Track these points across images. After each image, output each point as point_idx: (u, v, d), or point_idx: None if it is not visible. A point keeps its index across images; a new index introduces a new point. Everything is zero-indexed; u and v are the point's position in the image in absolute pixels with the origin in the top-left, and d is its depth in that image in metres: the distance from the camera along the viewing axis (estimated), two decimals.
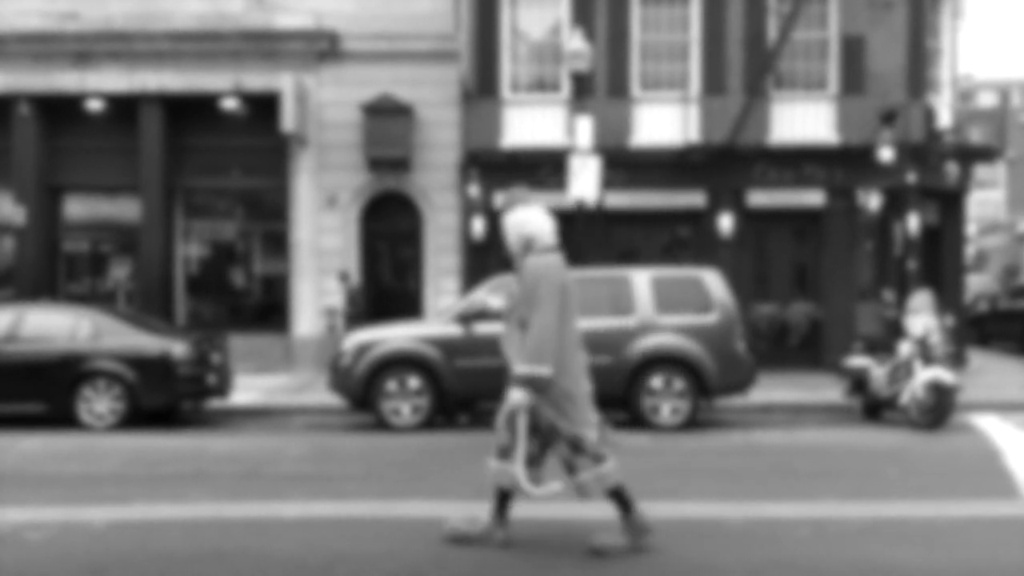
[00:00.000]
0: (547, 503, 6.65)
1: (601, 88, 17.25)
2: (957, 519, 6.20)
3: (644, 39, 17.57)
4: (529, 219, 5.30)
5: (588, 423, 5.19)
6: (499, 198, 4.60)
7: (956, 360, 15.97)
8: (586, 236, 15.28)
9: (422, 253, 17.56)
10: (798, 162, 17.22)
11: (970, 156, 19.10)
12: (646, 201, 17.35)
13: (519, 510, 5.61)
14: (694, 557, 5.27)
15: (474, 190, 17.08)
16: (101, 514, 6.34)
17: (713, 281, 11.45)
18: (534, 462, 5.26)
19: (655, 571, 5.03)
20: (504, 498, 5.39)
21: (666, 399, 10.97)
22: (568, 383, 5.14)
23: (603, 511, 6.39)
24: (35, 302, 13.92)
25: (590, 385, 5.32)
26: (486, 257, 17.12)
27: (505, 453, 5.21)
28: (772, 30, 17.10)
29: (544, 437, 5.21)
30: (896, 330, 12.73)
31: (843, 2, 17.31)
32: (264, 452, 9.28)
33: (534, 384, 4.99)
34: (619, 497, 5.25)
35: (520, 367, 5.00)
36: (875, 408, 11.77)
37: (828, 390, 13.66)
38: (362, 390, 11.09)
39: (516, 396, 5.02)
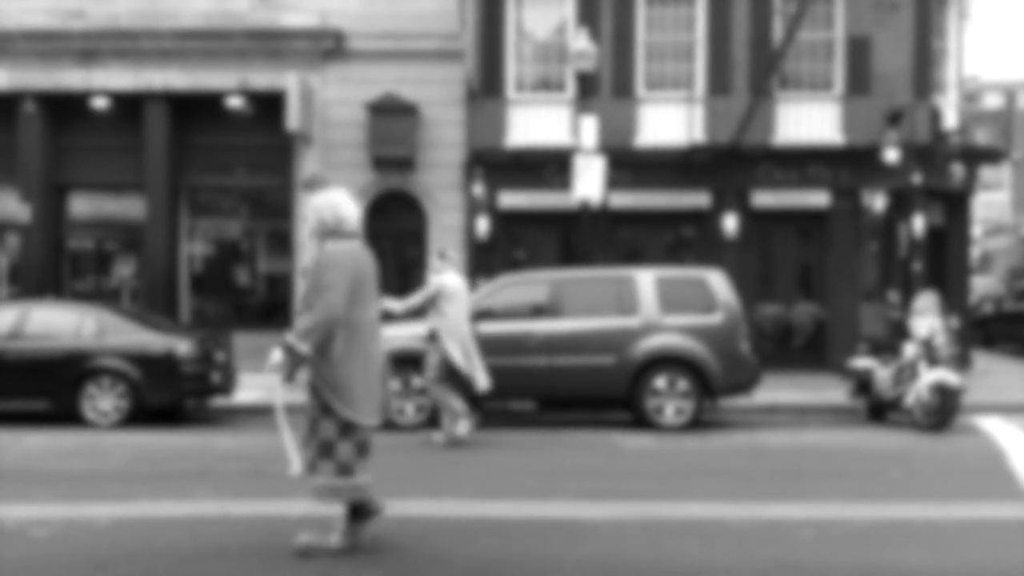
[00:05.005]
0: (553, 503, 6.65)
1: (606, 88, 17.23)
2: (962, 521, 6.20)
3: (649, 39, 17.55)
4: (341, 202, 5.28)
5: (366, 412, 5.14)
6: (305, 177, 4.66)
7: (961, 362, 15.96)
8: (590, 236, 15.27)
9: (426, 252, 17.56)
10: (803, 163, 17.19)
11: (976, 157, 19.06)
12: (650, 201, 17.32)
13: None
14: (698, 558, 5.27)
15: (478, 189, 17.08)
16: (105, 511, 6.35)
17: (717, 281, 11.44)
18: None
19: (658, 571, 5.03)
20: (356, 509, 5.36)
21: (670, 399, 10.96)
22: (346, 371, 5.07)
23: (610, 512, 6.39)
24: (40, 299, 13.94)
25: (383, 378, 5.33)
26: (491, 256, 17.13)
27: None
28: (778, 30, 17.07)
29: (309, 424, 5.17)
30: (901, 331, 12.70)
31: (849, 3, 17.27)
32: (268, 450, 9.27)
33: (292, 355, 4.99)
34: (358, 509, 5.25)
35: (289, 336, 5.01)
36: (879, 409, 11.75)
37: (832, 391, 13.64)
38: None
39: (276, 356, 5.03)
